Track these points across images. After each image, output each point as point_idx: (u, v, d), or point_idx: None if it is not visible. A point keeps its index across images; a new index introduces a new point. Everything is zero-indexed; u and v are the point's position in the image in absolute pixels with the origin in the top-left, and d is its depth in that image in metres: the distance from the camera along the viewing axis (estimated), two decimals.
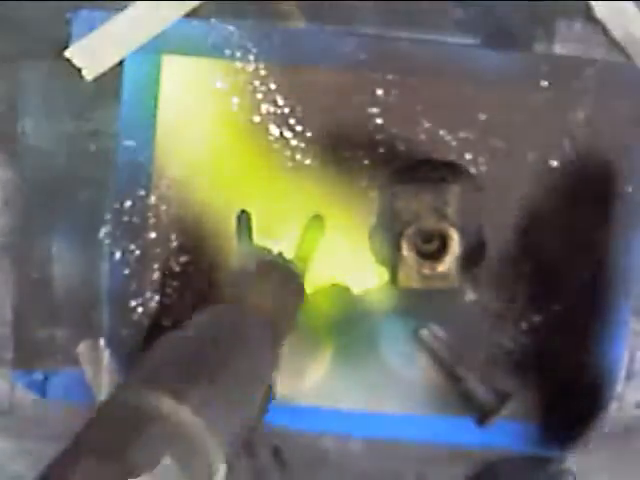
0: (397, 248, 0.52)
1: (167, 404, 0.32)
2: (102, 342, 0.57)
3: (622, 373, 0.57)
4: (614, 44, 0.55)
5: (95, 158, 0.56)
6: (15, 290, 0.57)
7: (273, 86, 0.55)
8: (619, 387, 0.57)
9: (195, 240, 0.56)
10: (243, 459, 0.58)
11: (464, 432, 0.58)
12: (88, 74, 0.54)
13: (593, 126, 0.56)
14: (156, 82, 0.55)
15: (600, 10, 0.54)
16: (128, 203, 0.56)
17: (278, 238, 0.56)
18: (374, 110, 0.55)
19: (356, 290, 0.57)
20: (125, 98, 0.55)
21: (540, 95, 0.55)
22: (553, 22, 0.55)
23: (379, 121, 0.55)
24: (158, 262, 0.56)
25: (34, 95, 0.55)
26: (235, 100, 0.55)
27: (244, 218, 0.55)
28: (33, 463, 0.58)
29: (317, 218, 0.55)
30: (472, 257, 0.55)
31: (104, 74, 0.54)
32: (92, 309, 0.57)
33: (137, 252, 0.56)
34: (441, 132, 0.56)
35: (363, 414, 0.58)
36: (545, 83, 0.55)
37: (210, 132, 0.56)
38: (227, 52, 0.55)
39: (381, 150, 0.56)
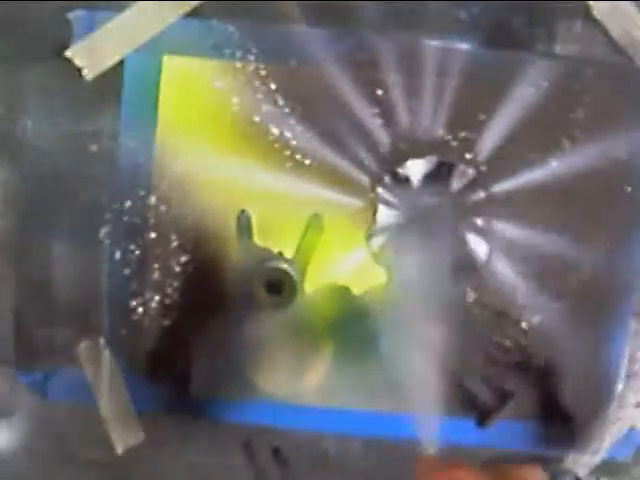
0: None
1: None
2: (102, 342, 0.57)
3: (622, 373, 0.57)
4: (614, 44, 0.55)
5: (95, 158, 0.56)
6: (15, 290, 0.57)
7: (273, 86, 0.55)
8: (619, 387, 0.58)
9: (195, 240, 0.56)
10: (243, 459, 0.58)
11: (464, 432, 0.58)
12: (88, 74, 0.54)
13: (593, 126, 0.56)
14: (156, 82, 0.55)
15: (600, 10, 0.54)
16: (128, 203, 0.56)
17: (278, 238, 0.56)
18: (374, 110, 0.55)
19: (356, 290, 0.57)
20: (125, 98, 0.55)
21: (540, 95, 0.55)
22: (553, 22, 0.55)
23: (379, 121, 0.55)
24: (158, 262, 0.56)
25: (34, 95, 0.55)
26: (235, 100, 0.55)
27: (244, 218, 0.55)
28: (34, 463, 0.58)
29: (316, 218, 0.56)
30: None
31: (104, 74, 0.54)
32: (92, 309, 0.57)
33: (137, 252, 0.56)
34: (441, 132, 0.56)
35: (363, 414, 0.58)
36: (545, 83, 0.55)
37: (210, 132, 0.56)
38: (227, 52, 0.55)
39: (381, 150, 0.56)
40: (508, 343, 0.57)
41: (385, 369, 0.57)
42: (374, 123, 0.55)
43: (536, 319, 0.57)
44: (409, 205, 0.56)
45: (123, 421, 0.56)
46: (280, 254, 0.55)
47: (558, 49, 0.55)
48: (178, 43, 0.55)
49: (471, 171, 0.56)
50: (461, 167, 0.56)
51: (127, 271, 0.56)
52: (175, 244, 0.56)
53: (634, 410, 0.58)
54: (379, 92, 0.55)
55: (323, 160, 0.56)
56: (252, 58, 0.55)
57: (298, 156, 0.56)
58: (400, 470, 0.59)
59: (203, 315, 0.57)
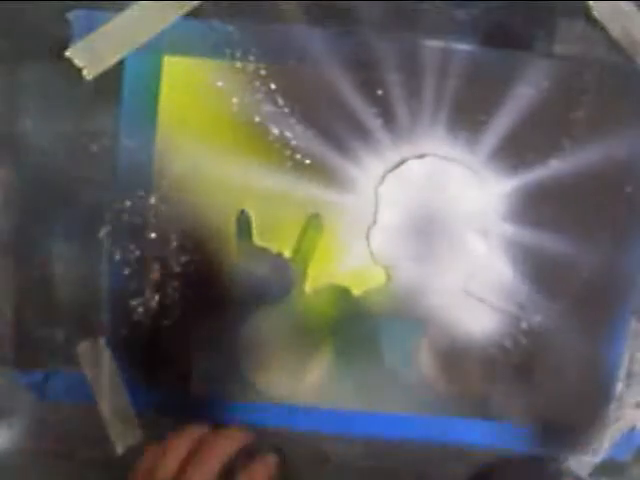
0: None
1: None
2: (102, 342, 0.57)
3: (622, 373, 0.57)
4: (614, 44, 0.55)
5: (95, 158, 0.56)
6: (15, 290, 0.57)
7: (273, 86, 0.55)
8: (619, 387, 0.58)
9: (195, 240, 0.56)
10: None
11: (464, 432, 0.58)
12: (88, 74, 0.54)
13: (593, 126, 0.56)
14: (156, 82, 0.55)
15: (600, 10, 0.54)
16: (128, 203, 0.56)
17: (278, 238, 0.56)
18: (374, 110, 0.55)
19: (356, 290, 0.57)
20: (125, 98, 0.55)
21: (540, 95, 0.55)
22: (553, 22, 0.55)
23: (379, 121, 0.55)
24: (158, 262, 0.56)
25: (34, 95, 0.55)
26: (235, 100, 0.55)
27: (244, 218, 0.55)
28: (34, 463, 0.58)
29: (316, 218, 0.56)
30: None
31: (104, 74, 0.54)
32: (92, 309, 0.57)
33: (137, 252, 0.56)
34: (441, 132, 0.56)
35: (363, 414, 0.58)
36: (545, 83, 0.55)
37: (210, 132, 0.56)
38: (227, 52, 0.55)
39: (381, 150, 0.56)
40: (508, 343, 0.57)
41: (385, 369, 0.57)
42: (374, 123, 0.55)
43: (536, 319, 0.57)
44: (409, 205, 0.56)
45: (123, 421, 0.56)
46: (279, 254, 0.55)
47: (558, 49, 0.55)
48: (178, 43, 0.55)
49: (471, 171, 0.56)
50: (461, 167, 0.56)
51: (127, 271, 0.56)
52: (175, 244, 0.56)
53: (634, 410, 0.58)
54: (379, 92, 0.55)
55: (323, 160, 0.56)
56: (252, 58, 0.55)
57: (298, 156, 0.56)
58: (400, 470, 0.59)
59: (203, 315, 0.57)
